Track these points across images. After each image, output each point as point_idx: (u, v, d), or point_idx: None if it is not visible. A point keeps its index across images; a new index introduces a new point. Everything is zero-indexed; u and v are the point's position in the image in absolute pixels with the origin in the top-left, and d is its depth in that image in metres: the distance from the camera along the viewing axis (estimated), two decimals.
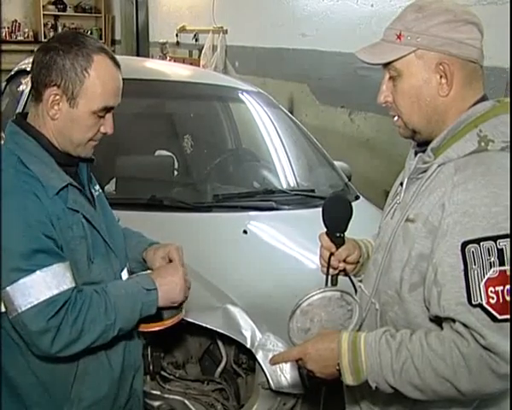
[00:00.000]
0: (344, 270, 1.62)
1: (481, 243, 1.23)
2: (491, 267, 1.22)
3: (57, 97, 1.50)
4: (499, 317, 1.21)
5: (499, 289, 1.22)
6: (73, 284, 1.46)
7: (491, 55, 3.71)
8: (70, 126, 1.53)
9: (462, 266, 1.24)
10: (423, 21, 1.33)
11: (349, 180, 3.34)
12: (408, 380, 1.30)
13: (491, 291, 1.22)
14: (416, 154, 1.48)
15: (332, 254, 1.58)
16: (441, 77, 1.34)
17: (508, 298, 1.22)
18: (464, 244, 1.24)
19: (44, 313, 1.41)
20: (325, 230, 1.59)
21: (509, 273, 1.22)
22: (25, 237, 1.41)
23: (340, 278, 1.62)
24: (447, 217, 1.28)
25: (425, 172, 1.39)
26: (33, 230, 1.42)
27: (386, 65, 1.39)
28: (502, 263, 1.22)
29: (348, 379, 1.38)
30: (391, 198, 1.57)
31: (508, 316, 1.21)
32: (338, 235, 1.57)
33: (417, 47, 1.34)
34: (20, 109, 2.98)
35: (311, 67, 5.28)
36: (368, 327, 1.49)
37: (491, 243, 1.23)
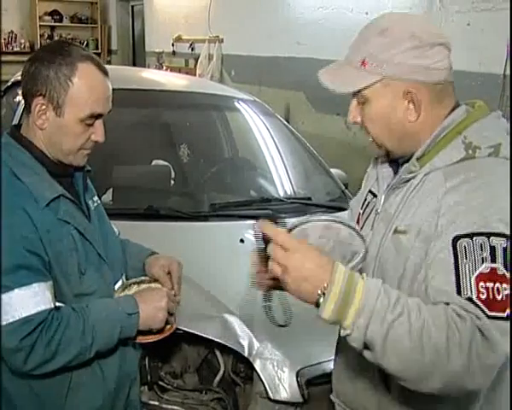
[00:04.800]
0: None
1: (474, 238, 1.21)
2: (483, 262, 1.20)
3: (43, 107, 1.50)
4: (489, 313, 1.18)
5: (490, 285, 1.20)
6: (52, 305, 1.46)
7: (486, 62, 3.76)
8: (58, 135, 1.52)
9: (452, 260, 1.22)
10: (388, 48, 1.29)
11: (346, 188, 3.35)
12: (395, 338, 1.17)
13: (482, 286, 1.19)
14: (389, 161, 1.46)
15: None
16: (409, 102, 1.32)
17: (498, 297, 1.19)
18: (456, 239, 1.22)
19: (18, 333, 1.40)
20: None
21: (500, 272, 1.20)
22: (7, 253, 1.40)
23: None
24: (441, 218, 1.26)
25: (409, 181, 1.37)
26: (17, 245, 1.41)
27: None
28: (493, 260, 1.20)
29: (326, 311, 1.19)
30: (361, 207, 1.55)
31: (498, 314, 1.18)
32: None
33: (382, 76, 1.31)
34: (16, 121, 2.98)
35: (306, 75, 5.27)
36: None
37: (484, 238, 1.21)
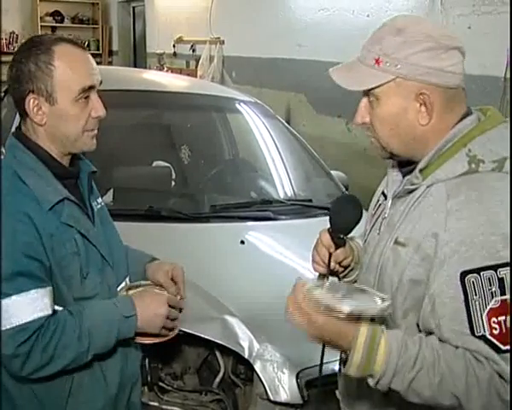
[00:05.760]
0: (336, 272, 1.56)
1: (481, 273, 1.20)
2: (492, 297, 1.19)
3: (36, 102, 1.49)
4: (503, 348, 1.19)
5: (502, 319, 1.19)
6: (50, 311, 1.45)
7: (487, 65, 3.77)
8: (59, 124, 1.51)
9: (462, 297, 1.21)
10: (403, 48, 1.27)
11: (346, 190, 3.35)
12: (416, 389, 1.24)
13: (494, 322, 1.19)
14: (398, 165, 1.45)
15: (330, 254, 1.50)
16: (421, 105, 1.30)
17: None
18: (463, 274, 1.21)
19: (15, 339, 1.40)
20: (328, 227, 1.52)
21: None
22: (8, 259, 1.40)
23: None
24: (444, 246, 1.24)
25: (412, 191, 1.35)
26: (18, 251, 1.40)
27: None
28: (503, 292, 1.19)
29: (352, 371, 1.27)
30: (373, 208, 1.54)
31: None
32: (341, 236, 1.51)
33: (396, 75, 1.29)
34: (17, 121, 2.98)
35: (307, 77, 5.30)
36: None
37: (492, 272, 1.19)
